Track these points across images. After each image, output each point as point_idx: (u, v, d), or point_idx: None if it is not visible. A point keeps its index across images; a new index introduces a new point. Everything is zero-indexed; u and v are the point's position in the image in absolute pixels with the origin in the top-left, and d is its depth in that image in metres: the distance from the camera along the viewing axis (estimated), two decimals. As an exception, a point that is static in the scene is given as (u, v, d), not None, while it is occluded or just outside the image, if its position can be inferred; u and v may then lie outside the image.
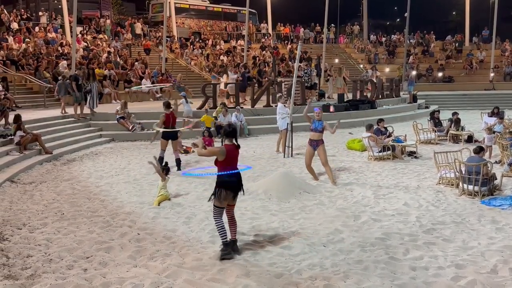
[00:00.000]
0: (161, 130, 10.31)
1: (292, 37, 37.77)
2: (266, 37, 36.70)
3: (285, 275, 5.27)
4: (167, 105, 10.57)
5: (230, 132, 5.79)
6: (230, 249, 5.75)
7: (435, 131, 14.42)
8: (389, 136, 12.48)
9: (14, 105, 16.55)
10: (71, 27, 23.89)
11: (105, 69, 21.90)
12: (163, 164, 8.73)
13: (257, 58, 29.51)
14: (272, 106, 17.52)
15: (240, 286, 5.00)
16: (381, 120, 12.84)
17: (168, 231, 6.73)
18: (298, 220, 7.23)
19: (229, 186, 5.72)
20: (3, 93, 16.16)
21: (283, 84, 18.44)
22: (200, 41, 33.61)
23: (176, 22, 33.99)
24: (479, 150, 8.72)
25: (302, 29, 38.63)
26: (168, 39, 29.02)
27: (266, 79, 20.30)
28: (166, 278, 5.19)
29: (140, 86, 20.81)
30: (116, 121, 15.57)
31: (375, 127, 12.29)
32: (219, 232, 5.82)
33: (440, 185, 9.21)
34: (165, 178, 8.43)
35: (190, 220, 7.22)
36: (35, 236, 6.47)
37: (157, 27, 33.21)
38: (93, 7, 36.93)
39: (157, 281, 5.09)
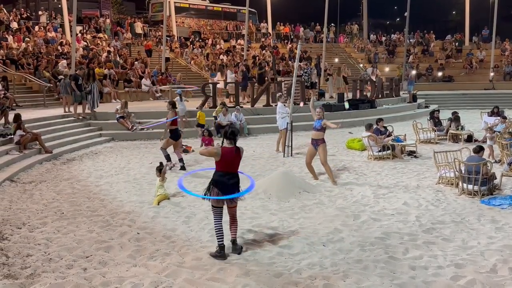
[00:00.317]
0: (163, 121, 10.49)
1: (292, 37, 37.76)
2: (266, 37, 36.69)
3: (284, 274, 5.27)
4: (173, 105, 10.75)
5: (230, 134, 5.82)
6: (224, 253, 5.76)
7: (435, 131, 14.42)
8: (389, 135, 12.49)
9: (14, 104, 16.56)
10: (70, 27, 23.90)
11: (105, 69, 21.89)
12: (159, 164, 8.73)
13: (257, 58, 29.49)
14: (272, 106, 17.52)
15: (239, 285, 5.00)
16: (380, 120, 12.84)
17: (167, 231, 6.73)
18: (298, 219, 7.23)
19: (218, 184, 5.77)
20: (3, 92, 16.16)
21: (283, 83, 18.44)
22: (200, 40, 33.61)
23: (176, 22, 33.97)
24: (479, 150, 8.72)
25: (302, 29, 38.61)
26: (168, 38, 29.00)
27: (266, 78, 20.28)
28: (166, 277, 5.19)
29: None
30: (116, 121, 15.56)
31: (374, 126, 12.30)
32: (216, 234, 5.85)
33: (439, 185, 9.21)
34: (164, 178, 8.41)
35: (190, 220, 7.23)
36: (34, 236, 6.47)
37: (156, 27, 33.20)
38: (93, 7, 36.91)
39: (157, 280, 5.10)
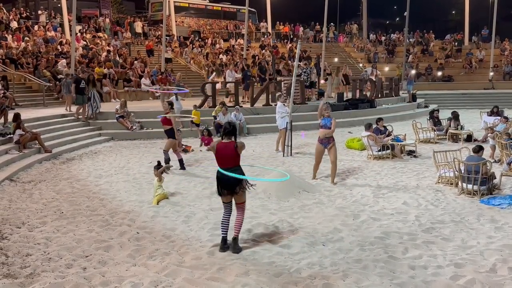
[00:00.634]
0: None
1: (291, 36, 37.74)
2: (265, 36, 36.68)
3: (284, 274, 5.27)
4: (171, 105, 10.99)
5: (229, 130, 5.92)
6: (222, 245, 5.96)
7: (434, 130, 14.43)
8: (389, 135, 12.49)
9: (13, 103, 16.55)
10: (70, 26, 23.89)
11: (105, 68, 21.88)
12: (157, 163, 8.72)
13: (257, 57, 29.49)
14: (271, 105, 17.52)
15: (239, 285, 5.00)
16: (380, 119, 12.84)
17: (167, 230, 6.73)
18: (297, 219, 7.23)
19: (219, 180, 5.96)
20: (2, 91, 16.15)
21: (282, 83, 18.44)
22: (200, 40, 33.58)
23: (176, 21, 33.95)
24: (478, 149, 8.72)
25: (301, 28, 38.59)
26: (168, 38, 28.99)
27: (268, 74, 20.30)
28: (165, 277, 5.19)
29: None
30: (115, 120, 15.56)
31: (374, 126, 12.30)
32: (220, 227, 6.11)
33: (439, 184, 9.22)
34: (161, 177, 8.40)
35: (190, 219, 7.22)
36: (34, 235, 6.47)
37: (156, 26, 33.19)
38: (93, 6, 36.94)
39: (156, 280, 5.09)
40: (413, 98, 23.86)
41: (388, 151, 11.79)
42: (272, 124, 14.95)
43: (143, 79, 22.77)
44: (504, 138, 10.98)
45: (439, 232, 6.60)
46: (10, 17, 26.30)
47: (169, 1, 31.55)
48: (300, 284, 5.03)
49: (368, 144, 11.84)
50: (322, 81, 23.73)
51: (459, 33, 38.23)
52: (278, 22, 39.00)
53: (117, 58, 24.41)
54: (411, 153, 12.33)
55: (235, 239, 5.98)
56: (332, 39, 37.81)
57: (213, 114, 15.93)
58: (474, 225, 6.92)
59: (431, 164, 10.26)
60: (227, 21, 37.74)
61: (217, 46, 32.79)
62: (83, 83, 15.54)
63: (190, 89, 21.88)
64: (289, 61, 27.99)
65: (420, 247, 6.06)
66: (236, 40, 35.00)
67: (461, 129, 14.53)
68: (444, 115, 16.62)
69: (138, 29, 32.07)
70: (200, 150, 13.26)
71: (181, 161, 10.66)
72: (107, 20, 31.33)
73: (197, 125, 15.37)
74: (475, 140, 13.95)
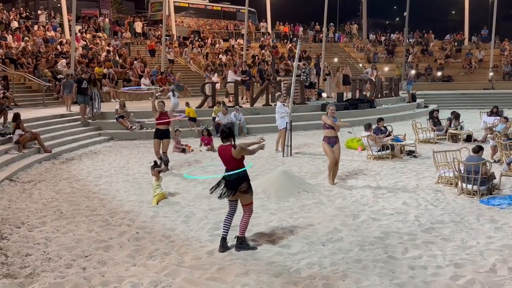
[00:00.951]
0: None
1: (291, 36, 37.73)
2: (265, 36, 36.67)
3: (284, 274, 5.27)
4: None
5: (226, 134, 5.94)
6: (222, 245, 5.97)
7: (434, 130, 14.43)
8: (388, 135, 12.49)
9: (13, 103, 16.54)
10: (70, 26, 23.89)
11: (104, 68, 21.87)
12: (154, 163, 8.73)
13: (256, 57, 29.50)
14: (271, 105, 17.51)
15: (239, 285, 5.00)
16: (381, 119, 12.84)
17: (167, 230, 6.73)
18: (297, 219, 7.23)
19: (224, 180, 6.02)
20: (2, 91, 16.15)
21: (282, 83, 18.44)
22: (199, 40, 33.57)
23: (175, 21, 33.94)
24: (478, 149, 8.72)
25: (301, 28, 38.56)
26: (167, 38, 28.99)
27: (268, 75, 20.30)
28: (165, 277, 5.18)
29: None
30: (115, 120, 15.55)
31: (374, 126, 12.30)
32: (222, 225, 6.12)
33: (439, 184, 9.21)
34: (159, 177, 8.39)
35: (189, 219, 7.22)
36: (34, 235, 6.47)
37: (156, 26, 33.18)
38: (92, 6, 36.93)
39: (156, 280, 5.09)
40: (413, 98, 23.85)
41: (388, 151, 11.79)
42: (272, 124, 14.93)
43: (142, 79, 22.77)
44: (503, 139, 10.98)
45: (439, 232, 6.60)
46: (10, 17, 26.28)
47: (169, 1, 31.54)
48: (300, 284, 5.03)
49: (368, 144, 11.84)
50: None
51: (458, 33, 38.22)
52: (278, 22, 39.00)
53: (117, 58, 24.41)
54: (410, 153, 12.33)
55: (238, 237, 6.00)
56: (332, 39, 37.75)
57: (212, 115, 15.94)
58: (474, 225, 6.92)
59: (431, 164, 10.26)
60: (227, 21, 37.73)
61: (217, 46, 32.80)
62: (85, 83, 15.55)
63: (190, 89, 21.91)
64: (289, 61, 28.01)
65: (420, 247, 6.06)
66: (236, 40, 35.01)
67: (460, 129, 14.53)
68: (444, 115, 16.61)
69: (138, 29, 32.06)
70: (200, 150, 13.26)
71: (166, 161, 10.58)
72: (107, 20, 31.32)
73: (194, 119, 15.31)
74: (475, 140, 13.95)
